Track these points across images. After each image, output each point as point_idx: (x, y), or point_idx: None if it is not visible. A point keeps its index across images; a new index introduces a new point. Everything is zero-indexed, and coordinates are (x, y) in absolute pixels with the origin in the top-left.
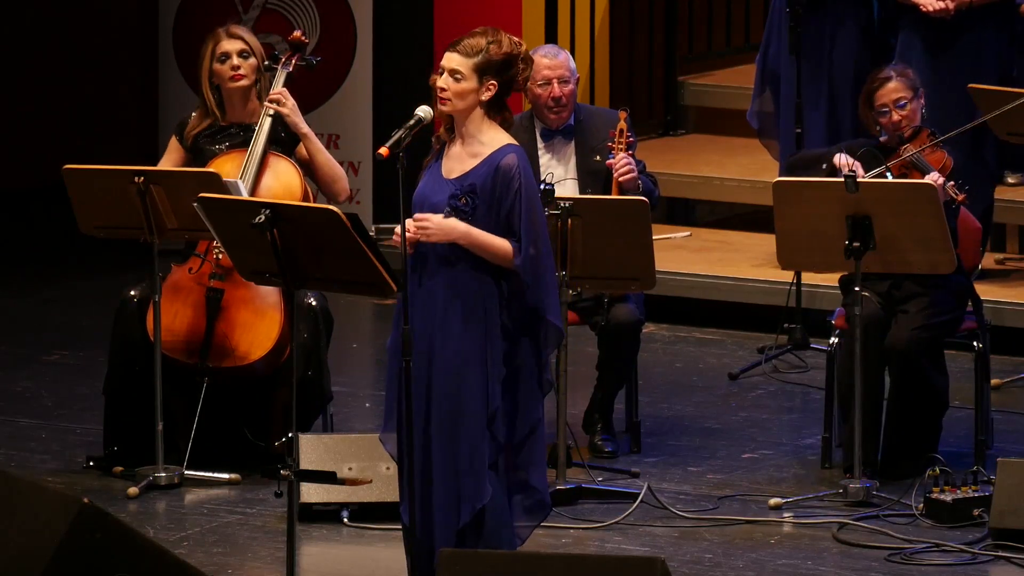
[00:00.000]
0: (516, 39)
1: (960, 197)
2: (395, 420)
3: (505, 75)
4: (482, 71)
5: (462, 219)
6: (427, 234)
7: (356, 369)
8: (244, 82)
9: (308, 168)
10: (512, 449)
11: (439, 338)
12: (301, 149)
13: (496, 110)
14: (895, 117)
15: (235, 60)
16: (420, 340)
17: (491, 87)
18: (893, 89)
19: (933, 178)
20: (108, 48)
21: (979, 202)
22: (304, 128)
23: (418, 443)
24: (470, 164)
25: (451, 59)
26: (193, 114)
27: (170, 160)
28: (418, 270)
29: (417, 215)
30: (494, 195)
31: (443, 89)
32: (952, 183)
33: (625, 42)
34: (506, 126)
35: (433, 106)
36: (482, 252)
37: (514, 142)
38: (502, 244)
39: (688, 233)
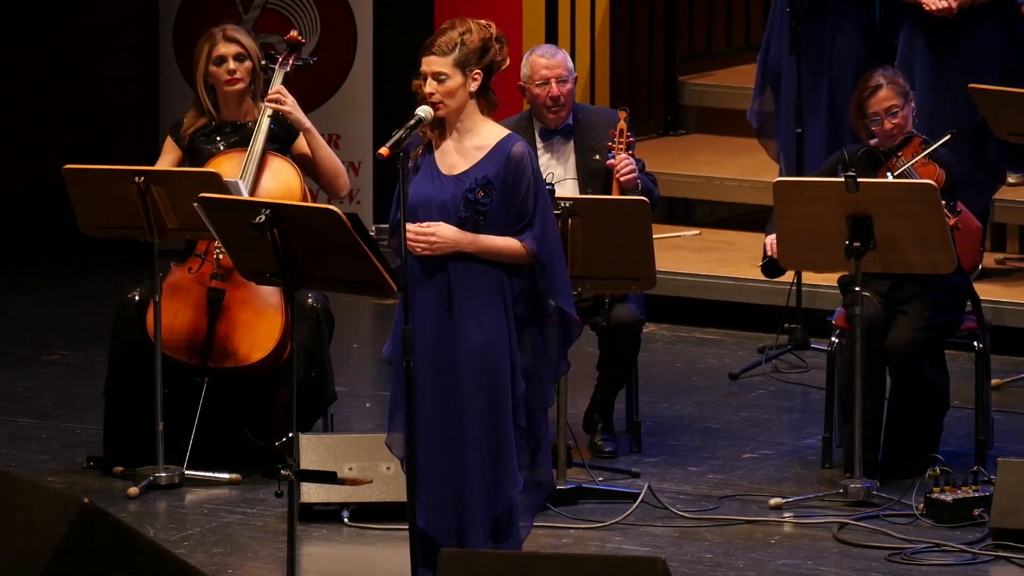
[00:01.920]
0: (483, 22)
1: (952, 221)
2: (401, 421)
3: (485, 61)
4: (463, 64)
5: (481, 212)
6: (433, 248)
7: (356, 369)
8: (240, 86)
9: (308, 164)
10: (533, 445)
11: (463, 333)
12: (300, 145)
13: (482, 95)
14: (887, 125)
15: (231, 64)
16: (439, 338)
17: (476, 76)
18: (884, 97)
19: None
20: (108, 48)
21: (982, 202)
22: (307, 124)
23: (445, 443)
24: (475, 158)
25: (430, 62)
26: (187, 113)
27: (167, 160)
28: (431, 267)
29: (420, 226)
30: (507, 185)
31: (432, 94)
32: (943, 202)
33: (625, 42)
34: (492, 108)
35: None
36: (490, 255)
37: (509, 132)
38: (509, 243)
39: (697, 232)
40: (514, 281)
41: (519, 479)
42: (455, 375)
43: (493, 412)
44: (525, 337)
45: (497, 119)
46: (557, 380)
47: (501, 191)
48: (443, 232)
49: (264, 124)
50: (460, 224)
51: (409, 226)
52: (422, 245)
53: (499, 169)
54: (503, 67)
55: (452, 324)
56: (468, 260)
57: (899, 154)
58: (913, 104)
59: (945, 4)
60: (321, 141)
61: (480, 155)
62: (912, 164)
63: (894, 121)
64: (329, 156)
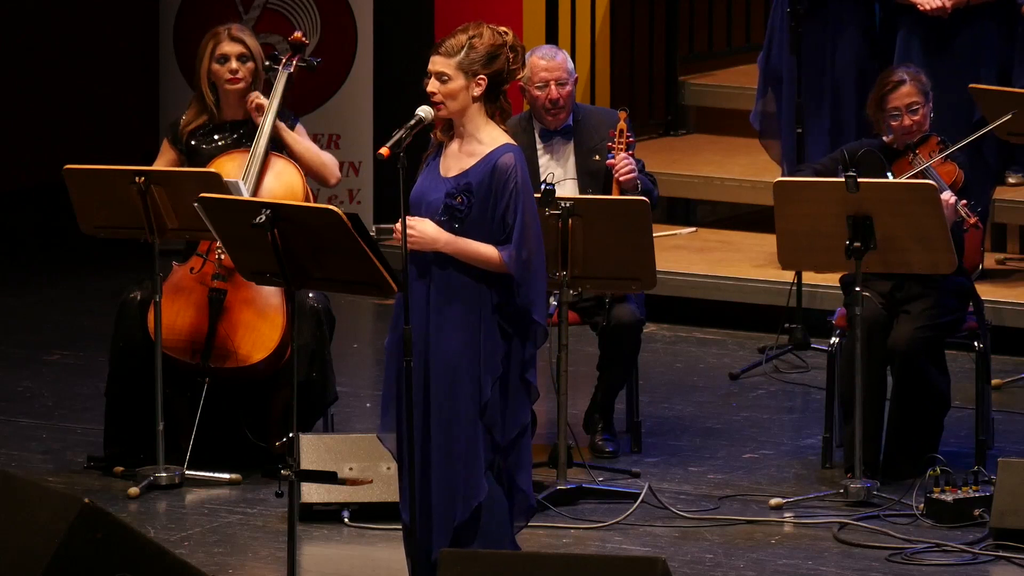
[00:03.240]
0: (501, 29)
1: (971, 220)
2: (393, 418)
3: (492, 67)
4: (467, 68)
5: (457, 217)
6: (412, 242)
7: (356, 369)
8: (241, 85)
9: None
10: (502, 451)
11: (435, 336)
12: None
13: (491, 102)
14: (907, 122)
15: (233, 64)
16: (417, 339)
17: (480, 82)
18: (906, 93)
19: (946, 197)
20: (108, 48)
21: (982, 202)
22: (278, 128)
23: (417, 443)
24: (468, 163)
25: (435, 62)
26: (187, 111)
27: (162, 163)
28: (416, 269)
29: (409, 220)
30: (489, 194)
31: (433, 93)
32: (964, 202)
33: (625, 42)
34: (504, 116)
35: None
36: (467, 259)
37: (512, 141)
38: (488, 251)
39: (693, 229)
40: (494, 291)
41: (481, 488)
42: (425, 376)
43: (455, 418)
44: (508, 349)
45: None
46: (530, 404)
47: (480, 199)
48: (423, 228)
49: (267, 125)
50: (439, 226)
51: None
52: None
53: (483, 177)
54: (517, 76)
55: (425, 325)
56: (448, 265)
57: (916, 151)
58: (931, 104)
59: (939, 3)
60: (295, 138)
61: (473, 161)
62: (932, 163)
63: (914, 118)
64: (307, 151)
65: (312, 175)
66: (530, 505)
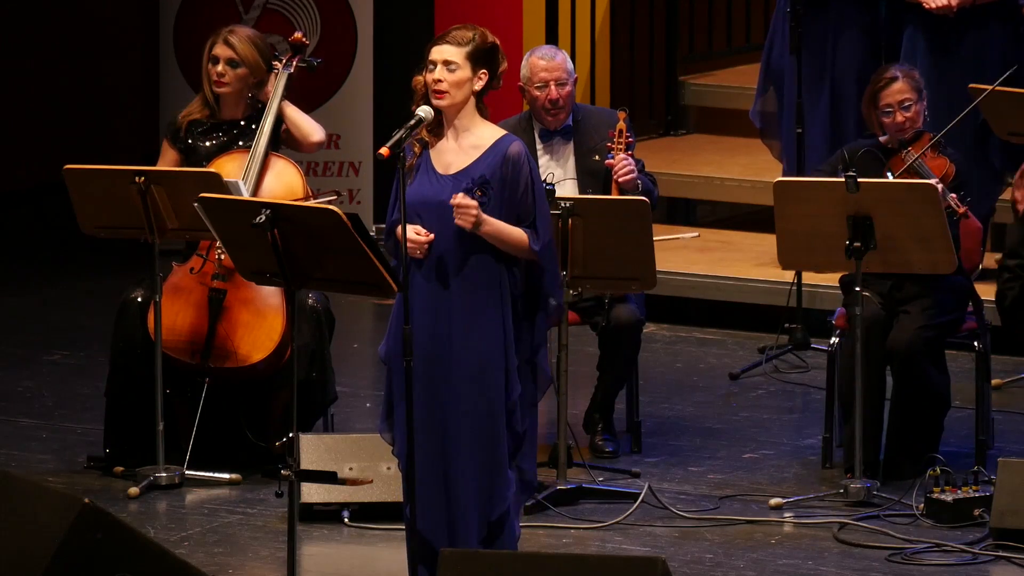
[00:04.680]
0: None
1: (961, 210)
2: (392, 419)
3: (493, 65)
4: (475, 59)
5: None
6: (473, 218)
7: (356, 369)
8: (226, 89)
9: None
10: (521, 438)
11: (459, 337)
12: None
13: (480, 101)
14: (899, 118)
15: (221, 67)
16: (435, 341)
17: (483, 76)
18: (899, 90)
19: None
20: (109, 48)
21: (985, 203)
22: (281, 106)
23: (435, 447)
24: (471, 157)
25: (444, 51)
26: (192, 103)
27: (164, 164)
28: (429, 268)
29: (459, 198)
30: (505, 184)
31: (439, 81)
32: (954, 195)
33: (625, 42)
34: (485, 117)
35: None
36: (502, 241)
37: (506, 132)
38: (520, 234)
39: (696, 234)
40: (516, 282)
41: (512, 482)
42: (448, 378)
43: (487, 417)
44: (519, 332)
45: (497, 119)
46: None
47: (499, 190)
48: (473, 203)
49: (267, 125)
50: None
51: (455, 199)
52: (466, 219)
53: (496, 168)
54: (498, 84)
55: (448, 327)
56: (468, 262)
57: (909, 148)
58: (925, 103)
59: (944, 1)
60: (294, 110)
61: (477, 154)
62: (921, 155)
63: (906, 115)
64: (300, 114)
65: (299, 136)
66: (532, 484)
